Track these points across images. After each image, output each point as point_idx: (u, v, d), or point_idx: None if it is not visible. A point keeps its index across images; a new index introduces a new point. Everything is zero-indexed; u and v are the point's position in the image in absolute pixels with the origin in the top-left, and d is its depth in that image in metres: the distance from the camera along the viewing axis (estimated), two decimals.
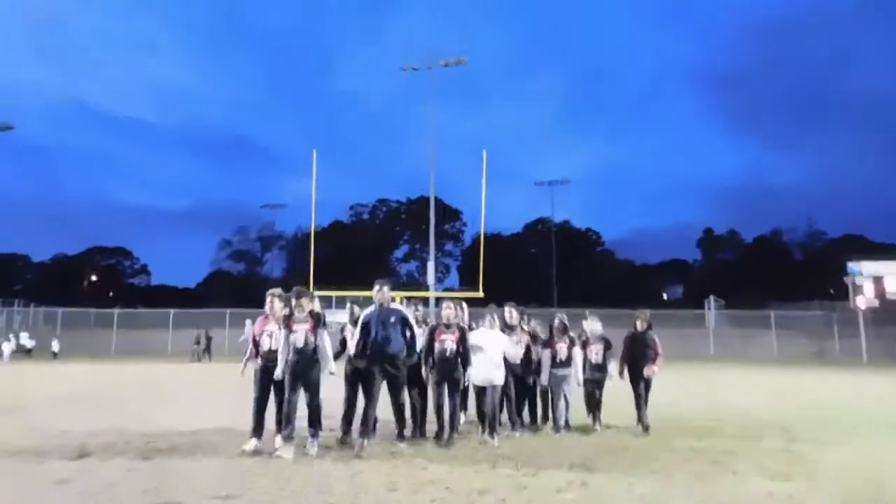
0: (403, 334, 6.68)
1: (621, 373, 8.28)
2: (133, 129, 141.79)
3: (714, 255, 68.81)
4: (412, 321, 6.84)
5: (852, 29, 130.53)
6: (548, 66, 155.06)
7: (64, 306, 39.67)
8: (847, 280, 36.27)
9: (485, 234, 30.48)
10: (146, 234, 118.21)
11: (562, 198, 77.10)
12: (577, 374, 8.05)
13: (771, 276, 57.27)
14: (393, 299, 7.03)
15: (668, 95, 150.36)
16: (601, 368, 8.21)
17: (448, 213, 64.22)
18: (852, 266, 36.43)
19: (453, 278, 66.47)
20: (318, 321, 6.36)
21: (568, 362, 7.92)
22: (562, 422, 7.82)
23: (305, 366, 6.24)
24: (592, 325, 8.36)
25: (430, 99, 33.39)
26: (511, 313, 7.92)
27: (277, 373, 6.31)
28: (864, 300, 34.88)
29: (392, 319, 6.64)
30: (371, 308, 6.74)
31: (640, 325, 8.32)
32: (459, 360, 6.90)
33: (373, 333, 6.58)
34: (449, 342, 6.90)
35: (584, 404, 8.30)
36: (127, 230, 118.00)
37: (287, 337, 6.36)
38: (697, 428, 8.29)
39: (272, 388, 6.59)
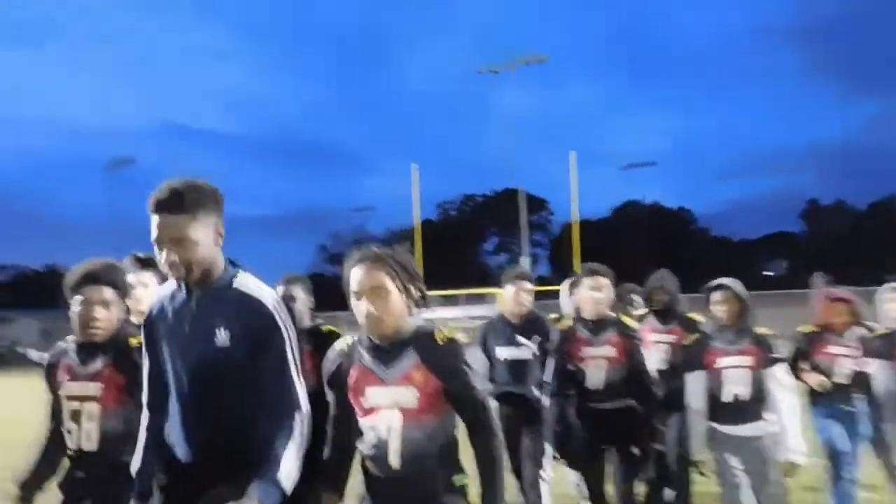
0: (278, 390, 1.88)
1: None
2: (214, 141, 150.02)
3: (820, 225, 64.54)
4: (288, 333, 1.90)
5: None
6: (621, 38, 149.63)
7: None
8: None
9: (574, 221, 30.83)
10: (239, 242, 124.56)
11: (649, 178, 75.46)
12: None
13: (889, 246, 53.11)
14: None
15: (755, 53, 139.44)
16: None
17: (534, 204, 64.46)
18: None
19: (543, 267, 66.63)
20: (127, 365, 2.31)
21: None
22: None
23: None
24: None
25: (508, 98, 34.10)
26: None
27: None
28: None
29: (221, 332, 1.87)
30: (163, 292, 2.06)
31: None
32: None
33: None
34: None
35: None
36: (224, 241, 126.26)
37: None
38: None
39: None
